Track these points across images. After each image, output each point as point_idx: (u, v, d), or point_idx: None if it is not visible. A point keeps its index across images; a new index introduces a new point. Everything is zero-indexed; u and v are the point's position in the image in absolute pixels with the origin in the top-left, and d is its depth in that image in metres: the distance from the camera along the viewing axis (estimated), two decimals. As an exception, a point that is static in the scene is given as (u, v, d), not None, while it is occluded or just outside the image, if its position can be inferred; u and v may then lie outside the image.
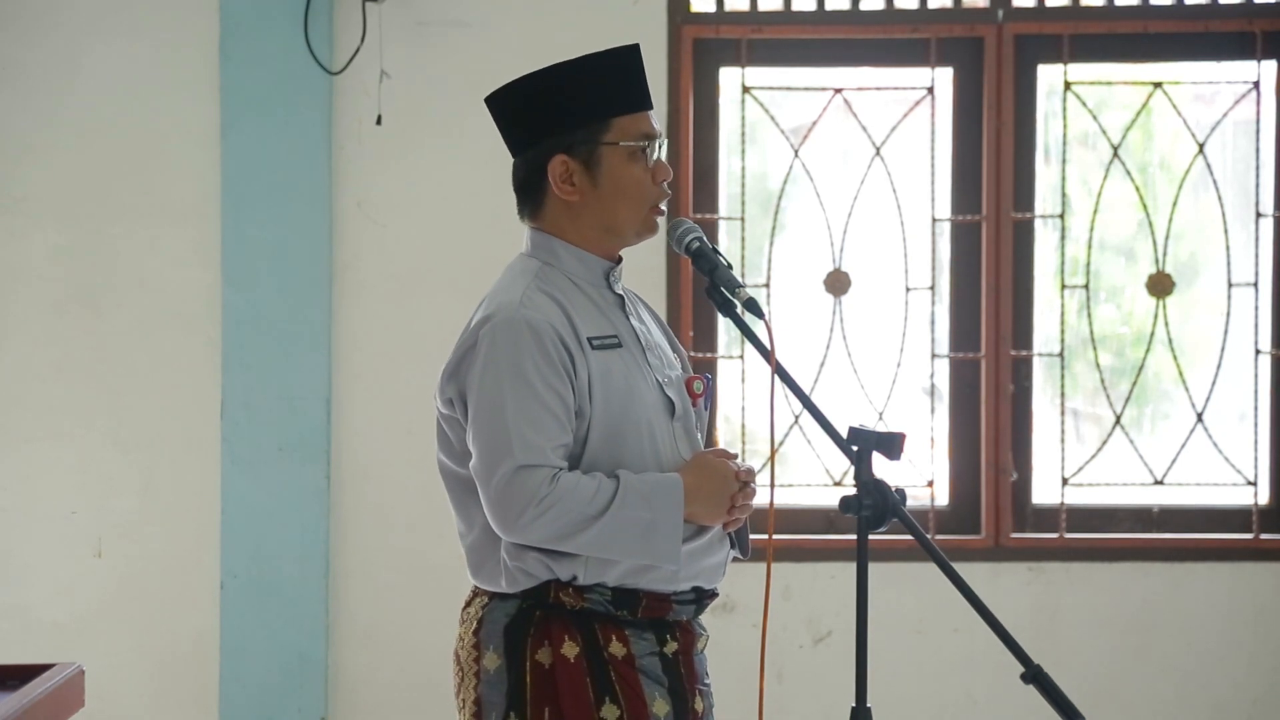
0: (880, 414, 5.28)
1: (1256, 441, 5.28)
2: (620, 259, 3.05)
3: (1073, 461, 5.30)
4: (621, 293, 3.05)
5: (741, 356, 5.28)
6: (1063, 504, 5.27)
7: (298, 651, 5.12)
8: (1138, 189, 5.30)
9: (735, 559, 3.06)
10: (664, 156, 3.01)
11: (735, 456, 3.00)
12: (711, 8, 5.27)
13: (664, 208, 3.03)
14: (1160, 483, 5.31)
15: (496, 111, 3.03)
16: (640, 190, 2.98)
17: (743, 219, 5.27)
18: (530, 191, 3.01)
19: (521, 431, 2.82)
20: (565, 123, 2.95)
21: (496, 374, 2.85)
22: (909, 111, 5.28)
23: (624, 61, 2.98)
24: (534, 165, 2.98)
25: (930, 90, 5.25)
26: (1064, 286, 5.29)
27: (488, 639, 2.92)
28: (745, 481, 2.95)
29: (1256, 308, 5.27)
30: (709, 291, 3.01)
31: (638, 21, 5.13)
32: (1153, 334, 5.30)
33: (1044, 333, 5.32)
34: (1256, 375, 5.28)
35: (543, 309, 2.90)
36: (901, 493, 2.85)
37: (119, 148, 5.16)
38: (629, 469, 2.89)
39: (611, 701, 2.87)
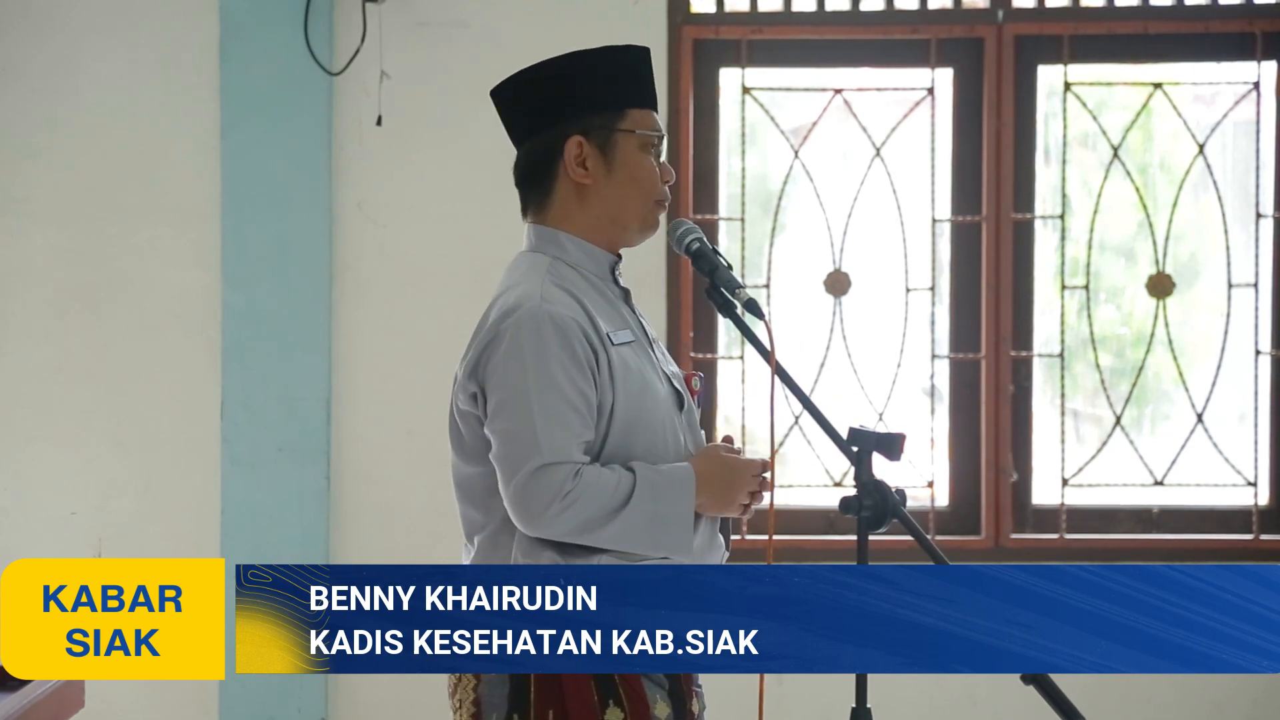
0: (880, 414, 5.28)
1: (1256, 442, 5.28)
2: (620, 255, 3.06)
3: (1073, 462, 5.30)
4: (626, 287, 3.05)
5: (741, 357, 5.27)
6: (1063, 505, 5.27)
7: (298, 652, 5.12)
8: (1138, 190, 5.30)
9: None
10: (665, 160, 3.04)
11: (739, 451, 3.00)
12: (711, 8, 5.27)
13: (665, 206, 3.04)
14: (1160, 483, 5.31)
15: (507, 97, 3.02)
16: (650, 181, 2.99)
17: (743, 219, 5.27)
18: (538, 177, 3.00)
19: (547, 428, 2.82)
20: (582, 107, 2.96)
21: (521, 368, 2.84)
22: (909, 112, 5.28)
23: (638, 58, 3.02)
24: (546, 148, 2.98)
25: (930, 91, 5.25)
26: (1064, 287, 5.29)
27: None
28: (762, 475, 2.96)
29: (1256, 308, 5.27)
30: (709, 292, 3.01)
31: (638, 22, 5.13)
32: (1153, 335, 5.30)
33: (1044, 333, 5.32)
34: (1256, 376, 5.28)
35: (564, 304, 2.89)
36: (901, 493, 2.85)
37: (119, 148, 5.16)
38: (647, 461, 2.89)
39: (615, 704, 2.87)
